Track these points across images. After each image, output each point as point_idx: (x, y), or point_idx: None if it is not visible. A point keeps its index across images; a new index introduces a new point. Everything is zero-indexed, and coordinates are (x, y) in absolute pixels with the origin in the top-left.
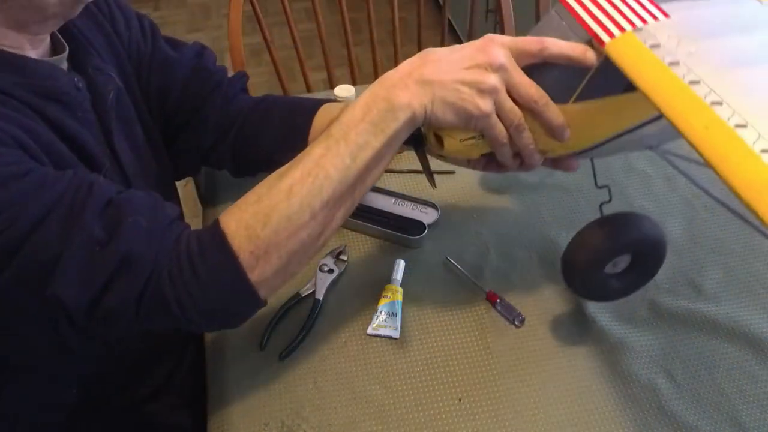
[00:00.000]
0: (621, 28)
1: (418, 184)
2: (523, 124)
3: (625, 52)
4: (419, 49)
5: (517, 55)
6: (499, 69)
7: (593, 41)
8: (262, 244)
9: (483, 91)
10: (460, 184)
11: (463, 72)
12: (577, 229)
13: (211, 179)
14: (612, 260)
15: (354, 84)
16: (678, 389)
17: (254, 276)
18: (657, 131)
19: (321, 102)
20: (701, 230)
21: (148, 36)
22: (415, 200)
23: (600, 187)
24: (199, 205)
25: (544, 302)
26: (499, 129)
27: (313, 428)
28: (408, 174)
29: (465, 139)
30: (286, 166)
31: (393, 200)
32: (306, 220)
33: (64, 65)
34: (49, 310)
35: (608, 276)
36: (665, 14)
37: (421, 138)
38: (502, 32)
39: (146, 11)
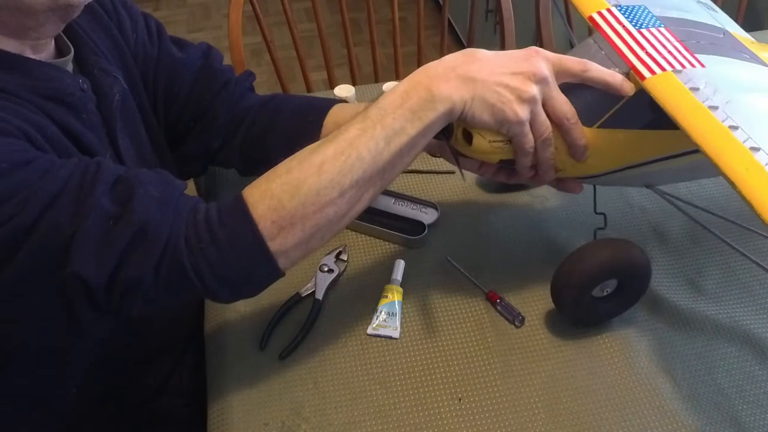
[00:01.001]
0: (661, 67)
1: (418, 184)
2: (551, 138)
3: (665, 89)
4: (419, 49)
5: (558, 72)
6: (540, 81)
7: (631, 73)
8: (288, 215)
9: (523, 99)
10: (460, 184)
11: (507, 76)
12: (576, 229)
13: (212, 179)
14: (601, 284)
15: (354, 84)
16: (678, 389)
17: (274, 245)
18: (659, 171)
19: (332, 102)
20: (701, 230)
21: (155, 37)
22: (415, 200)
23: (598, 214)
24: None
25: (544, 302)
26: (529, 138)
27: (313, 428)
28: (408, 174)
29: (493, 141)
30: (319, 142)
31: (393, 200)
32: (334, 197)
33: (70, 67)
34: (69, 290)
35: (595, 299)
36: (701, 65)
37: (448, 132)
38: (502, 32)
39: (146, 11)
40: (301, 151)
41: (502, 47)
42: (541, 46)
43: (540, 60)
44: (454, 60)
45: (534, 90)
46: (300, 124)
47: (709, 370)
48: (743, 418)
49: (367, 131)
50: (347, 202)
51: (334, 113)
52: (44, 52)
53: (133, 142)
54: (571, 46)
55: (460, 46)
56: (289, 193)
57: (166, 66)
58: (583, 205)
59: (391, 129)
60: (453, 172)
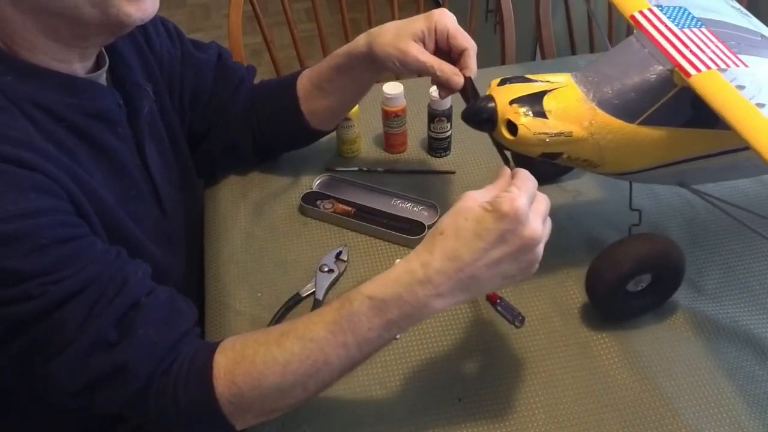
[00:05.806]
0: (706, 66)
1: (418, 184)
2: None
3: (711, 86)
4: None
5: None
6: (542, 238)
7: (675, 71)
8: (246, 402)
9: (534, 263)
10: (460, 184)
11: (508, 277)
12: (575, 228)
13: (212, 178)
14: (636, 278)
15: None
16: (678, 389)
17: (232, 419)
18: (695, 170)
19: (297, 74)
20: (701, 230)
21: (176, 38)
22: (415, 200)
23: (633, 210)
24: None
25: (545, 302)
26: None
27: (313, 428)
28: (408, 174)
29: (539, 134)
30: (288, 328)
31: (393, 200)
32: (297, 392)
33: (104, 78)
34: (39, 380)
35: (629, 294)
36: (744, 64)
37: (492, 124)
38: (502, 32)
39: None
40: (271, 331)
41: (502, 47)
42: (541, 46)
43: (528, 228)
44: (446, 277)
45: (539, 252)
46: (280, 105)
47: (709, 370)
48: (743, 418)
49: (338, 336)
50: (311, 393)
51: (302, 81)
52: (87, 62)
53: (157, 150)
54: (591, 42)
55: None
56: (250, 385)
57: (190, 66)
58: (584, 206)
59: (365, 338)
60: (453, 172)
